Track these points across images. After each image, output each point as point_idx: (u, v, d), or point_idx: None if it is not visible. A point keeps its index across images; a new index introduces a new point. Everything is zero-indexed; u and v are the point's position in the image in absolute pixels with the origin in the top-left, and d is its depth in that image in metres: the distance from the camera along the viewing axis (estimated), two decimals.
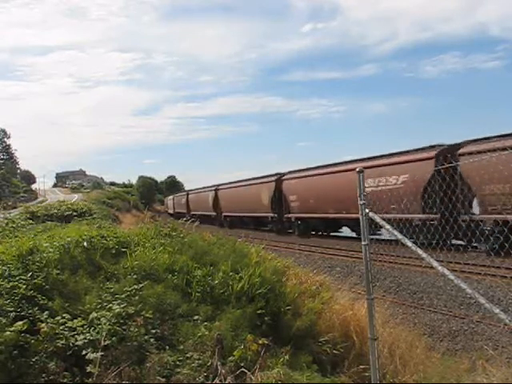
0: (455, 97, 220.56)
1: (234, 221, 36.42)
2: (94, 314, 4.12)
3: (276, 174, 30.20)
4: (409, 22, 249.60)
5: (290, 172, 28.91)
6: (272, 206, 29.04)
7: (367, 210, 3.82)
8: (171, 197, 67.48)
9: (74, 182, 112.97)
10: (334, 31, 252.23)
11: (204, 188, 47.45)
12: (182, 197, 56.78)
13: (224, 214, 38.58)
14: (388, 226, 3.64)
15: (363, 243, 3.84)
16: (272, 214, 29.33)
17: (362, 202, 3.85)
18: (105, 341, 3.75)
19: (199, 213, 43.90)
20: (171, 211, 62.47)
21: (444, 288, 11.13)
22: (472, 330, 8.82)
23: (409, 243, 3.50)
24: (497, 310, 2.92)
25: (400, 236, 3.55)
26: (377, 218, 3.76)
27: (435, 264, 3.30)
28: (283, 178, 28.76)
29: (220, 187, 40.89)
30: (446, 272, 3.20)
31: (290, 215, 27.31)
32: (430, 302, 10.87)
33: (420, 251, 3.38)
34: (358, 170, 3.92)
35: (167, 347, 4.18)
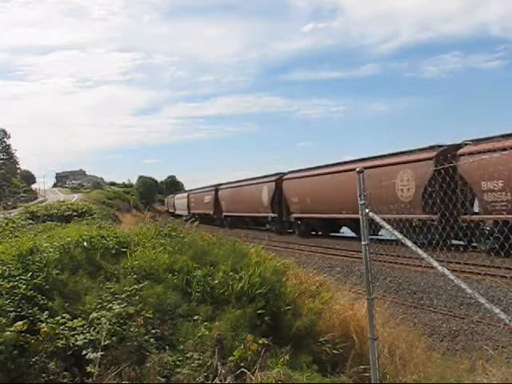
0: (456, 96, 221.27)
1: (310, 224, 25.92)
2: (94, 314, 4.12)
3: (434, 147, 17.12)
4: (409, 22, 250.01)
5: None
6: (423, 200, 16.06)
7: (367, 210, 3.81)
8: (184, 194, 55.27)
9: (73, 182, 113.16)
10: (334, 31, 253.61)
11: (250, 180, 34.44)
12: (206, 194, 44.59)
13: (295, 215, 26.99)
14: (388, 226, 3.64)
15: (363, 243, 3.84)
16: (425, 216, 15.83)
17: (362, 202, 3.84)
18: (105, 341, 3.75)
19: (239, 214, 34.80)
20: (183, 212, 49.83)
21: (444, 288, 11.12)
22: (472, 330, 8.81)
23: (409, 243, 3.49)
24: (497, 310, 2.91)
25: (400, 236, 3.55)
26: (377, 218, 3.76)
27: (435, 264, 3.29)
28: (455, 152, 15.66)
29: (286, 177, 28.27)
30: (446, 272, 3.19)
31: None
32: (430, 302, 10.86)
33: (420, 251, 3.38)
34: (357, 170, 3.92)
35: (167, 347, 4.18)
